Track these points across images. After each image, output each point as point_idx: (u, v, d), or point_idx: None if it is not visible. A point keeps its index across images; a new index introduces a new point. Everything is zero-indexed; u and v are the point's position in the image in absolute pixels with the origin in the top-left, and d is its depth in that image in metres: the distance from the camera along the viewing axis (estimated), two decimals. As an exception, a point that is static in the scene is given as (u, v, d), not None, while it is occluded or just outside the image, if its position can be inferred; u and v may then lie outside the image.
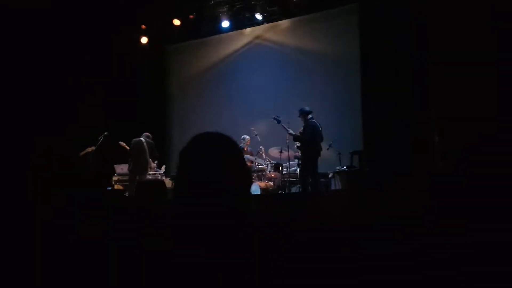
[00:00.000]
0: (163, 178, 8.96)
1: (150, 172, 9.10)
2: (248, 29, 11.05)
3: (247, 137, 9.28)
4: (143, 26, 10.88)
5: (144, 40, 10.97)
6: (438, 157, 6.82)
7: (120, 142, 8.82)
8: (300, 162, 8.46)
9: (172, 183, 7.91)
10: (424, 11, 7.66)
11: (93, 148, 8.33)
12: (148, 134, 8.71)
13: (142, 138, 8.52)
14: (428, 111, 7.29)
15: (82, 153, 8.30)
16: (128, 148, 8.70)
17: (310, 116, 7.85)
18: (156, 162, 9.10)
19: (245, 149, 9.21)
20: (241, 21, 10.82)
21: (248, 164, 8.37)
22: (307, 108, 7.92)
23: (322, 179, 8.40)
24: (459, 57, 6.94)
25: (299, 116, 7.92)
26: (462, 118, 6.62)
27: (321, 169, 8.02)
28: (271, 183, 8.85)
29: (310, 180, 7.71)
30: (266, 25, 10.82)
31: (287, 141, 8.31)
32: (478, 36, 6.75)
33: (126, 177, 8.92)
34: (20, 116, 8.20)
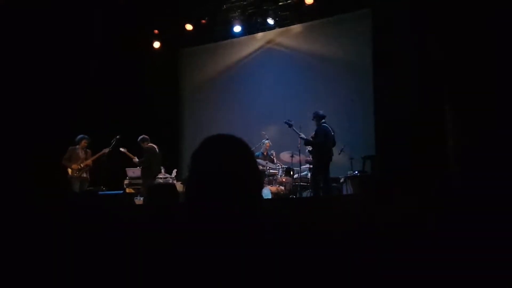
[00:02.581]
0: (175, 181, 8.99)
1: (161, 176, 9.18)
2: (260, 34, 11.08)
3: (267, 141, 9.26)
4: (156, 31, 10.96)
5: (156, 44, 11.06)
6: (453, 160, 6.75)
7: (121, 149, 8.72)
8: (311, 166, 8.43)
9: (183, 187, 7.93)
10: (438, 15, 7.60)
11: (109, 150, 8.37)
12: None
13: (152, 144, 8.59)
14: (443, 115, 7.22)
15: (95, 156, 8.34)
16: (131, 155, 8.72)
17: (323, 120, 7.83)
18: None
19: (265, 153, 9.22)
20: (253, 26, 10.85)
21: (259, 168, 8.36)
22: (321, 112, 7.90)
23: (334, 184, 8.35)
24: (475, 60, 6.86)
25: (312, 119, 7.90)
26: (479, 120, 6.54)
27: (332, 174, 7.98)
28: (282, 188, 8.83)
29: (322, 184, 7.67)
30: (278, 30, 10.83)
31: (299, 145, 8.29)
32: (497, 36, 6.67)
33: (138, 181, 8.97)
34: (31, 119, 8.32)
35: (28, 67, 8.33)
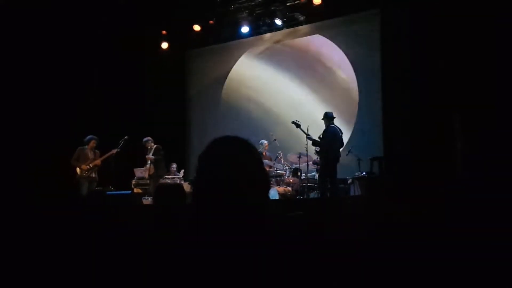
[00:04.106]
0: (182, 182, 9.03)
1: (168, 176, 9.23)
2: (268, 34, 11.06)
3: (265, 141, 9.29)
4: (164, 32, 11.00)
5: (164, 45, 11.10)
6: (460, 164, 6.71)
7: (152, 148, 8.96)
8: (319, 167, 8.41)
9: (190, 187, 7.97)
10: (446, 15, 7.57)
11: (117, 150, 8.42)
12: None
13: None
14: (450, 117, 7.19)
15: (104, 156, 8.39)
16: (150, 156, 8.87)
17: (332, 121, 7.82)
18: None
19: (264, 154, 9.21)
20: (260, 26, 10.84)
21: (266, 169, 8.36)
22: (331, 113, 7.89)
23: (341, 185, 8.33)
24: (484, 61, 6.83)
25: (322, 119, 7.89)
26: (487, 124, 6.50)
27: (340, 175, 7.96)
28: (290, 188, 8.81)
29: (329, 185, 7.65)
30: (285, 30, 10.81)
31: (306, 146, 8.27)
32: (503, 40, 6.63)
33: (145, 181, 9.02)
34: (39, 120, 8.40)
35: (33, 68, 8.40)
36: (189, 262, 1.17)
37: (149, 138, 9.05)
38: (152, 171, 8.90)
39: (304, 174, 8.90)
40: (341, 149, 7.81)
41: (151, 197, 8.23)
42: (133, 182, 9.28)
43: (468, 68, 7.07)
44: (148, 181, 9.01)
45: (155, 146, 8.96)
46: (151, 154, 8.90)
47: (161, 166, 8.97)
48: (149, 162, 8.99)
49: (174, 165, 9.65)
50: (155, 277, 1.20)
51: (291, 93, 10.63)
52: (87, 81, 9.34)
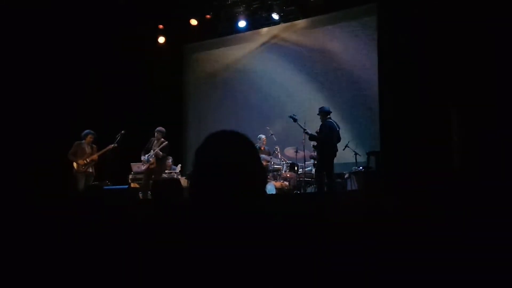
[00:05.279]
0: (179, 176, 9.01)
1: (165, 171, 9.22)
2: (265, 29, 11.04)
3: (263, 136, 9.28)
4: (161, 26, 10.96)
5: (161, 39, 11.06)
6: (457, 157, 6.73)
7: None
8: (316, 162, 8.41)
9: (187, 182, 7.95)
10: (443, 10, 7.56)
11: (114, 145, 8.38)
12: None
13: None
14: (447, 111, 7.20)
15: (102, 151, 8.36)
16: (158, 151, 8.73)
17: (328, 116, 7.82)
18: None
19: (262, 148, 9.21)
20: (257, 21, 10.81)
21: (264, 163, 8.35)
22: (326, 108, 7.89)
23: (338, 180, 8.34)
24: (482, 55, 6.83)
25: (318, 114, 7.88)
26: (483, 118, 6.52)
27: (337, 169, 7.96)
28: (287, 183, 8.82)
29: (326, 180, 7.66)
30: (282, 25, 10.79)
31: (303, 141, 8.27)
32: (501, 35, 6.64)
33: (143, 176, 8.98)
34: (37, 117, 8.39)
35: (28, 65, 8.38)
36: (187, 257, 1.17)
37: (163, 130, 8.63)
38: (154, 165, 8.73)
39: (301, 169, 8.92)
40: (338, 144, 7.81)
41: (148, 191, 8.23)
42: (130, 176, 9.26)
43: (466, 62, 7.07)
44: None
45: (165, 142, 8.53)
46: (157, 148, 8.58)
47: (164, 163, 8.82)
48: (153, 155, 8.53)
49: (170, 159, 9.61)
50: (152, 273, 1.20)
51: (289, 87, 10.61)
52: (84, 77, 9.30)
